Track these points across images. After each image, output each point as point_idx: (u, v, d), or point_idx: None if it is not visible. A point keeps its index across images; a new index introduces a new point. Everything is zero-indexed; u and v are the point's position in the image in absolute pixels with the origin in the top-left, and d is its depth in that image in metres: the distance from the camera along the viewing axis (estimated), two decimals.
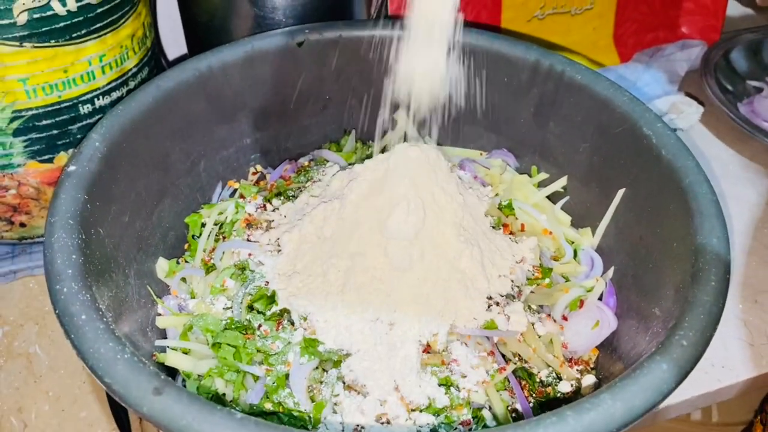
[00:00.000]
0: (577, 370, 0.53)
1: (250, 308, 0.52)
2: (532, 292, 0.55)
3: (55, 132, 0.60)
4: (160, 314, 0.55)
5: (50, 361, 0.60)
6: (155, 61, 0.70)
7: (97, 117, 0.61)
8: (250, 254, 0.56)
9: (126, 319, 0.48)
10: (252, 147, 0.66)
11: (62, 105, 0.59)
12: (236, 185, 0.65)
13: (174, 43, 0.84)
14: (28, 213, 0.64)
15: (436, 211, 0.53)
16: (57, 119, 0.59)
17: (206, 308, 0.54)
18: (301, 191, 0.61)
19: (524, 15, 0.84)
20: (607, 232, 0.60)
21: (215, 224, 0.61)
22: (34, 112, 0.58)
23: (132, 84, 0.64)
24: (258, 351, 0.50)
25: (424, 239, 0.52)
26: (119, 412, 0.57)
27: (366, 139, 0.70)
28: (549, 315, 0.54)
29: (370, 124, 0.62)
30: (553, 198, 0.64)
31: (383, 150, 0.62)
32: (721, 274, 0.44)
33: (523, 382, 0.50)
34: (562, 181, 0.64)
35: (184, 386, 0.51)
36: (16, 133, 0.59)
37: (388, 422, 0.46)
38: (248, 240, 0.58)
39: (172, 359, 0.51)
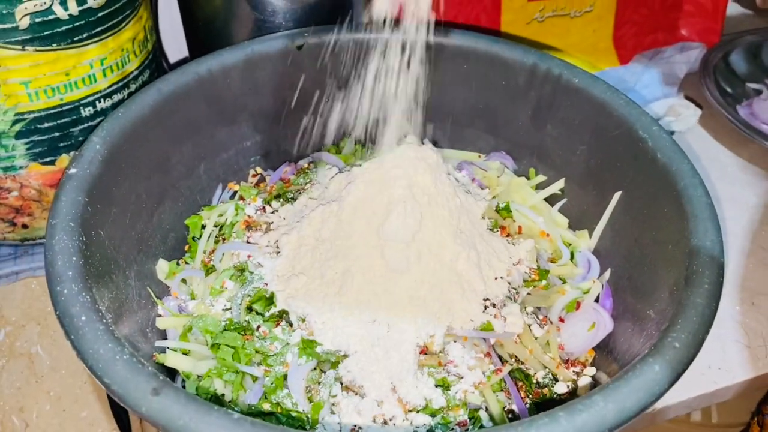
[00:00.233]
0: (574, 371, 0.53)
1: (249, 309, 0.53)
2: (528, 293, 0.55)
3: (56, 134, 0.60)
4: (160, 315, 0.55)
5: (52, 361, 0.60)
6: (156, 64, 0.70)
7: (98, 119, 0.62)
8: (249, 256, 0.56)
9: (126, 320, 0.49)
10: (252, 149, 0.66)
11: (64, 108, 0.59)
12: (236, 187, 0.65)
13: (175, 46, 0.84)
14: (30, 214, 0.64)
15: (433, 214, 0.53)
16: (59, 122, 0.60)
17: (206, 309, 0.54)
18: (300, 193, 0.62)
19: (524, 18, 0.84)
20: (604, 234, 0.60)
21: (215, 226, 0.61)
22: (36, 114, 0.59)
23: (133, 87, 0.64)
24: (256, 352, 0.50)
25: (421, 241, 0.52)
26: (120, 412, 0.58)
27: (365, 142, 0.70)
28: (546, 317, 0.55)
29: (369, 126, 0.62)
30: (550, 200, 0.64)
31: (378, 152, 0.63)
32: (714, 277, 0.45)
33: (520, 384, 0.50)
34: (560, 184, 0.64)
35: (184, 387, 0.51)
36: (19, 135, 0.59)
37: (385, 423, 0.47)
38: (248, 242, 0.58)
39: (171, 360, 0.51)
